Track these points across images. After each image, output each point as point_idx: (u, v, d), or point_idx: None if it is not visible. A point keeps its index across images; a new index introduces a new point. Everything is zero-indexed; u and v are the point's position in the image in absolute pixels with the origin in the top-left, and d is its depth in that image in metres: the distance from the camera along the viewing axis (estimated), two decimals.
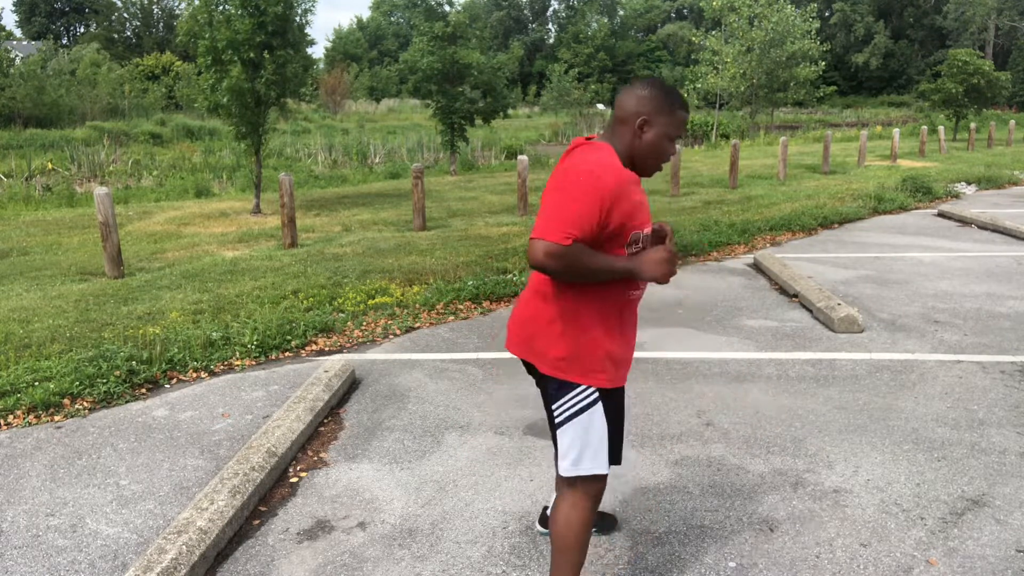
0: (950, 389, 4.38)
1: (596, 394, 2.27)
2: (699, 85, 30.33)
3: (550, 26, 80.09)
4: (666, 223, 2.37)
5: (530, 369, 2.40)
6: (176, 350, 4.88)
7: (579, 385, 2.26)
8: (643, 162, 2.25)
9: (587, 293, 2.22)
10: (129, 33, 65.42)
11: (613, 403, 2.33)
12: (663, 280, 2.14)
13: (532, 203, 11.37)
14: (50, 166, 18.43)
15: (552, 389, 2.31)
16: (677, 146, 11.66)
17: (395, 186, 15.44)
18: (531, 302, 2.33)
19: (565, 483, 2.36)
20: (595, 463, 2.30)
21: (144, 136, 26.92)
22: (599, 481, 2.34)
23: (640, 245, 2.22)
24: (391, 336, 5.53)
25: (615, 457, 2.39)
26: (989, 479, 3.33)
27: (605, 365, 2.26)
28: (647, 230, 2.23)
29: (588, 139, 2.27)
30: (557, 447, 2.37)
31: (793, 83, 28.90)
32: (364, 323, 5.72)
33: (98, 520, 3.07)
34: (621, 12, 76.80)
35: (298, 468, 3.52)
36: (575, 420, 2.28)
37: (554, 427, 2.37)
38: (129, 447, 3.73)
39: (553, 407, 2.32)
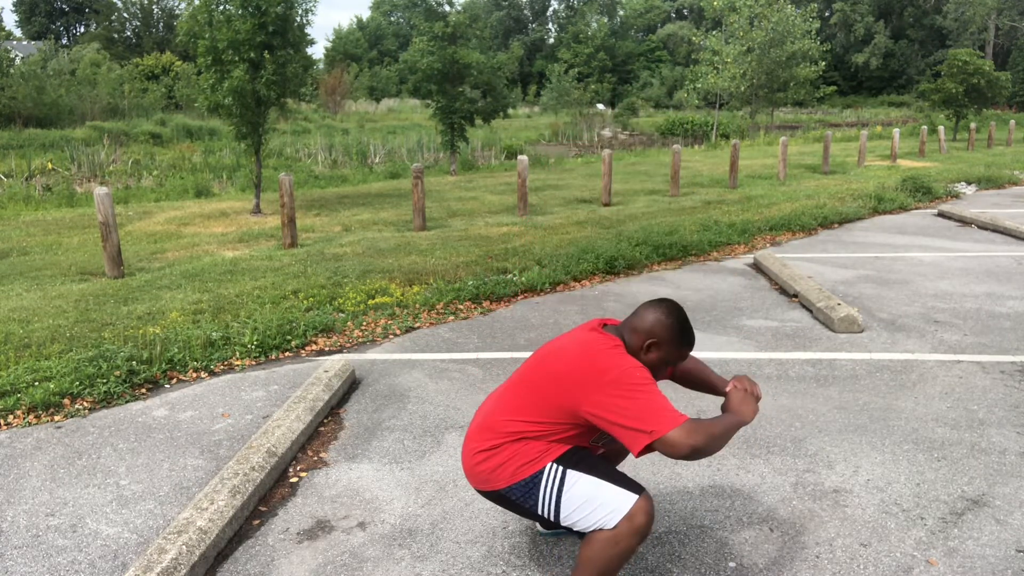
0: (950, 389, 4.38)
1: (558, 465, 2.29)
2: (699, 85, 30.33)
3: (550, 26, 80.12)
4: (746, 378, 2.52)
5: (494, 497, 2.43)
6: (176, 350, 4.88)
7: (539, 471, 2.29)
8: None
9: (548, 445, 2.33)
10: (129, 33, 65.39)
11: (580, 456, 2.34)
12: (755, 415, 2.40)
13: (532, 203, 11.37)
14: (50, 166, 18.43)
15: (520, 498, 2.33)
16: (677, 146, 11.62)
17: (395, 186, 15.44)
18: (473, 437, 2.42)
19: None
20: (614, 511, 2.22)
21: (144, 136, 26.92)
22: (644, 516, 2.22)
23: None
24: (391, 336, 5.53)
25: (631, 488, 2.28)
26: (989, 479, 3.33)
27: (546, 445, 2.32)
28: (733, 410, 2.42)
29: (603, 324, 2.43)
30: (580, 535, 2.37)
31: (793, 83, 28.90)
32: (364, 323, 5.72)
33: (98, 520, 3.07)
34: (621, 12, 76.81)
35: (298, 468, 3.52)
36: (563, 499, 2.27)
37: (551, 524, 2.39)
38: (129, 447, 3.73)
39: (538, 511, 2.33)
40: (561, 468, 2.28)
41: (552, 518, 2.31)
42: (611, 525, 2.22)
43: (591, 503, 2.24)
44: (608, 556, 2.22)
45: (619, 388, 2.16)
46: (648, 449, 2.11)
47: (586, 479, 2.27)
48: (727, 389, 2.49)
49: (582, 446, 2.38)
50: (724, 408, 2.41)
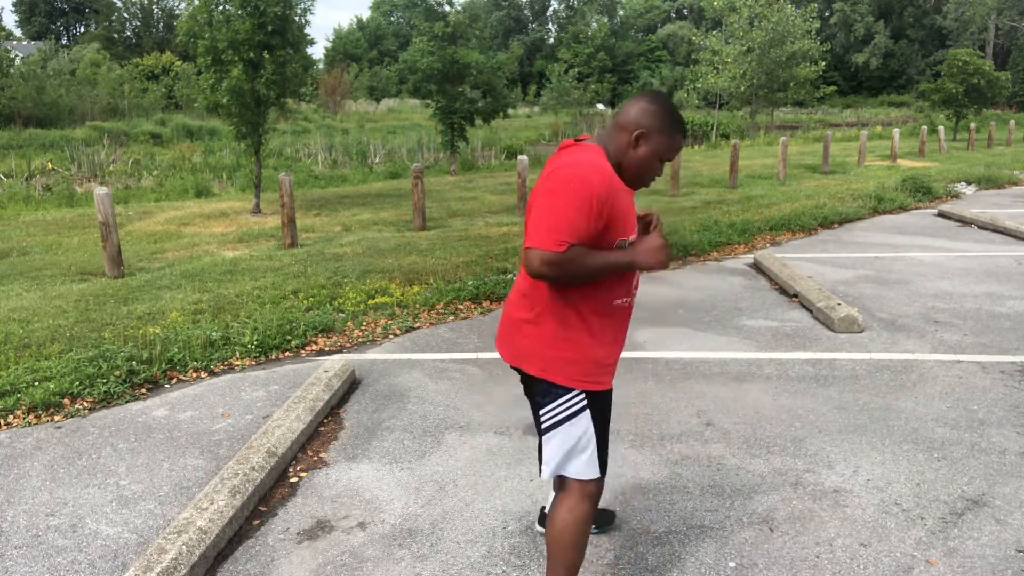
0: (950, 389, 4.38)
1: (584, 400, 2.27)
2: (699, 85, 30.33)
3: (550, 26, 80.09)
4: (652, 211, 2.35)
5: (519, 371, 2.40)
6: (176, 350, 4.88)
7: (568, 390, 2.26)
8: (630, 174, 2.24)
9: (575, 297, 2.21)
10: (129, 33, 65.38)
11: (600, 407, 2.32)
12: (660, 267, 2.15)
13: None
14: (50, 166, 18.43)
15: (540, 393, 2.31)
16: None
17: (395, 186, 15.44)
18: (518, 305, 2.32)
19: (561, 487, 2.35)
20: (587, 468, 2.29)
21: (144, 136, 26.91)
22: (595, 484, 2.34)
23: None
24: (391, 336, 5.53)
25: (603, 464, 2.36)
26: (989, 479, 3.33)
27: (593, 369, 2.26)
28: (632, 237, 2.21)
29: (578, 140, 2.26)
30: (541, 451, 2.37)
31: (793, 83, 28.90)
32: (364, 323, 5.72)
33: (98, 520, 3.07)
34: (621, 12, 76.77)
35: (298, 468, 3.52)
36: (563, 425, 2.28)
37: (541, 432, 2.36)
38: (129, 447, 3.73)
39: (540, 412, 2.32)
40: (584, 403, 2.27)
41: (541, 427, 2.33)
42: (572, 474, 2.29)
43: (575, 448, 2.28)
44: (568, 522, 2.30)
45: (549, 188, 2.12)
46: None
47: (590, 430, 2.28)
48: (644, 217, 2.32)
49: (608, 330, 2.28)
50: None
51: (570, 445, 2.28)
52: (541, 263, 2.04)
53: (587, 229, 2.06)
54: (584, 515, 2.32)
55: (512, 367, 2.38)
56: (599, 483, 2.35)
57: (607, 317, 2.26)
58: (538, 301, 2.25)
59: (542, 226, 2.05)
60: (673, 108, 2.23)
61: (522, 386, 2.47)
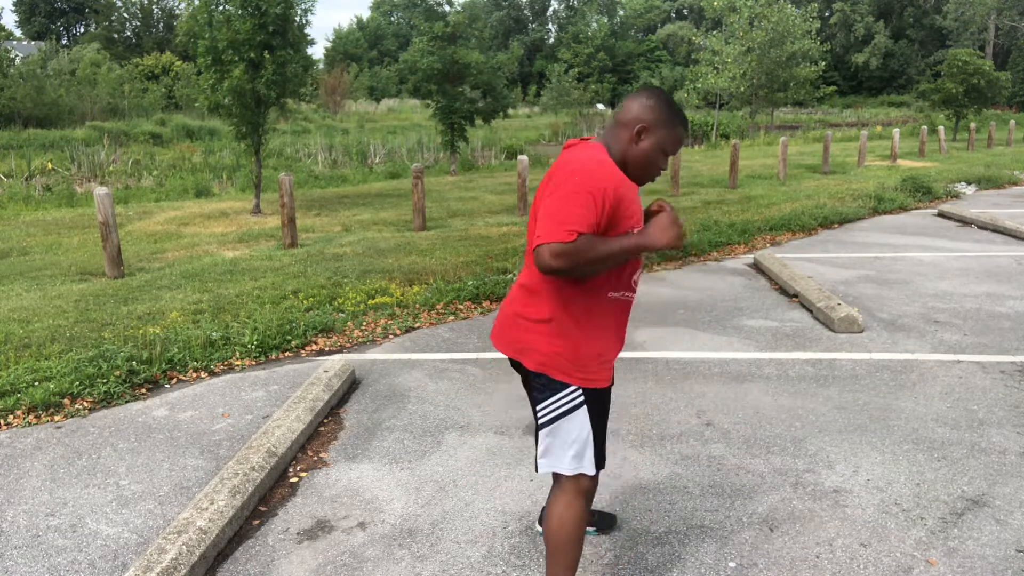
0: (950, 389, 4.38)
1: (583, 395, 2.27)
2: (699, 85, 30.34)
3: (550, 26, 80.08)
4: (662, 200, 2.35)
5: (516, 366, 2.40)
6: (176, 350, 4.88)
7: (566, 385, 2.26)
8: (634, 169, 2.25)
9: (576, 292, 2.22)
10: (129, 33, 65.36)
11: (598, 404, 2.33)
12: (676, 244, 2.12)
13: (531, 203, 11.35)
14: (50, 166, 18.43)
15: (537, 388, 2.31)
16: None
17: (395, 186, 15.44)
18: (519, 298, 2.32)
19: (556, 483, 2.36)
20: (581, 463, 2.30)
21: (144, 136, 26.91)
22: (589, 480, 2.34)
23: None
24: (391, 336, 5.53)
25: (600, 460, 2.36)
26: (989, 479, 3.33)
27: (592, 365, 2.26)
28: (638, 229, 2.22)
29: (582, 140, 2.28)
30: (537, 445, 2.37)
31: (793, 83, 28.90)
32: (364, 323, 5.72)
33: (98, 520, 3.07)
34: (621, 12, 76.79)
35: (298, 468, 3.52)
36: (561, 421, 2.28)
37: (538, 426, 2.36)
38: (129, 447, 3.73)
39: (538, 407, 2.32)
40: (582, 399, 2.27)
41: (538, 421, 2.33)
42: (567, 470, 2.29)
43: (571, 444, 2.28)
44: (565, 519, 2.31)
45: (555, 183, 2.12)
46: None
47: (587, 426, 2.28)
48: (654, 207, 2.31)
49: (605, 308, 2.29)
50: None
51: (567, 441, 2.28)
52: (552, 255, 2.01)
53: (595, 220, 2.06)
54: (580, 511, 2.32)
55: (509, 359, 2.39)
56: (594, 480, 2.36)
57: (606, 312, 2.27)
58: (539, 296, 2.25)
59: (550, 221, 2.04)
60: (672, 101, 2.25)
61: (520, 378, 2.46)
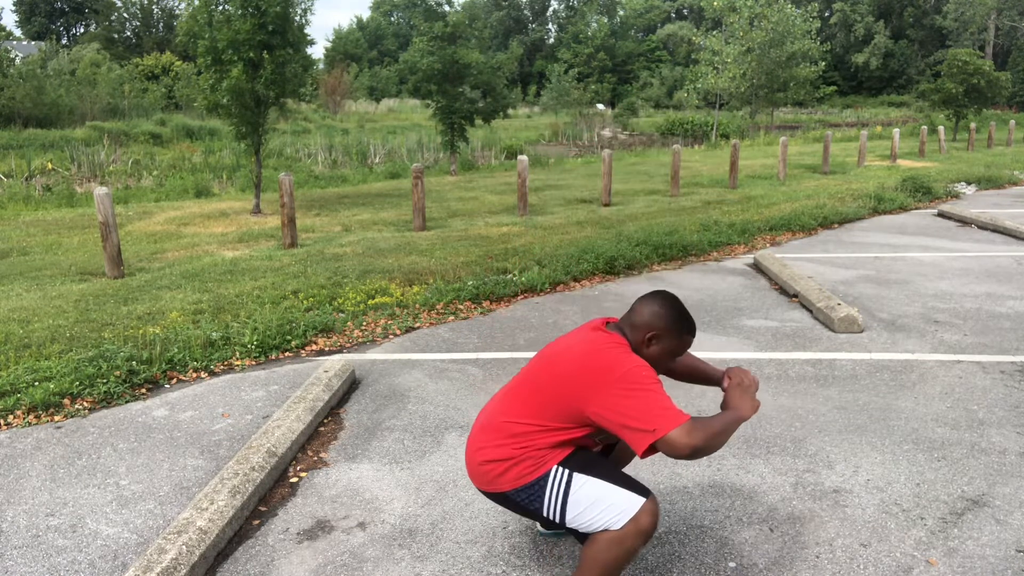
0: (950, 389, 4.38)
1: (563, 468, 2.28)
2: (699, 85, 30.35)
3: (550, 26, 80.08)
4: (743, 370, 2.52)
5: (498, 500, 2.42)
6: (176, 350, 4.88)
7: (545, 475, 2.27)
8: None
9: (559, 451, 2.32)
10: (129, 33, 65.37)
11: (583, 457, 2.33)
12: (756, 411, 2.38)
13: (532, 203, 11.37)
14: (50, 166, 18.43)
15: (527, 500, 2.32)
16: (677, 146, 11.62)
17: (395, 186, 15.44)
18: (500, 447, 2.36)
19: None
20: (622, 512, 2.21)
21: (144, 136, 26.92)
22: (647, 515, 2.21)
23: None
24: (391, 336, 5.53)
25: (637, 490, 2.27)
26: (989, 479, 3.33)
27: (550, 445, 2.31)
28: (733, 406, 2.41)
29: (606, 323, 2.42)
30: (577, 535, 2.38)
31: (793, 83, 28.91)
32: (364, 323, 5.72)
33: (98, 520, 3.07)
34: (621, 12, 76.78)
35: (298, 468, 3.52)
36: (569, 502, 2.26)
37: (566, 530, 2.36)
38: (129, 447, 3.73)
39: (544, 513, 2.32)
40: (567, 471, 2.27)
41: (558, 520, 2.30)
42: (617, 527, 2.21)
43: (598, 505, 2.23)
44: (612, 556, 2.22)
45: (623, 387, 2.15)
46: (652, 449, 2.10)
47: (592, 482, 2.26)
48: (724, 385, 2.50)
49: (585, 446, 2.38)
50: (723, 405, 2.40)
51: (589, 509, 2.24)
52: (687, 435, 2.07)
53: None
54: (631, 551, 2.22)
55: (487, 495, 2.45)
56: (651, 517, 2.22)
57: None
58: (525, 446, 2.31)
59: (656, 415, 2.10)
60: (683, 311, 2.39)
61: (508, 509, 2.48)
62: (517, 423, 2.32)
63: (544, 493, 2.28)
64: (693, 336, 2.42)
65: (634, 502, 2.22)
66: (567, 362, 2.28)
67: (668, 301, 2.38)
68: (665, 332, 2.35)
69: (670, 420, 2.07)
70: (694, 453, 2.08)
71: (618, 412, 2.14)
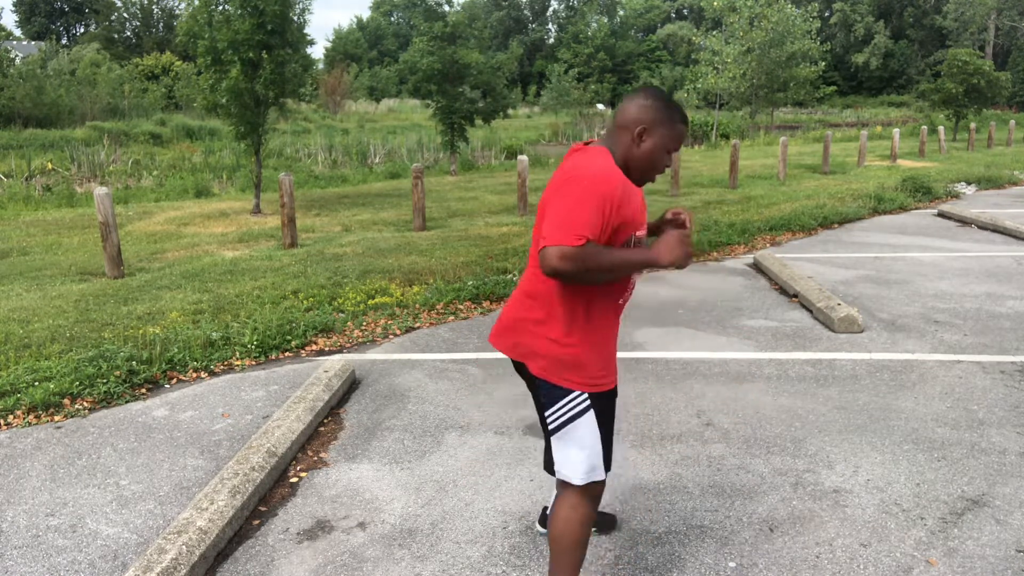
0: (950, 389, 4.38)
1: (588, 400, 2.26)
2: (699, 85, 30.35)
3: (550, 26, 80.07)
4: (684, 209, 2.35)
5: (519, 368, 2.40)
6: (176, 350, 4.88)
7: (569, 391, 2.25)
8: (637, 170, 2.25)
9: (581, 299, 2.21)
10: (129, 33, 65.37)
11: (604, 407, 2.32)
12: (682, 263, 2.11)
13: (532, 203, 11.37)
14: (50, 166, 18.43)
15: (543, 394, 2.30)
16: None
17: (395, 186, 15.44)
18: (521, 303, 2.32)
19: (564, 486, 2.35)
20: (593, 473, 2.29)
21: (144, 136, 26.92)
22: (598, 484, 2.34)
23: (634, 247, 2.22)
24: (391, 336, 5.53)
25: (607, 463, 2.36)
26: (989, 479, 3.33)
27: (595, 370, 2.25)
28: (641, 233, 2.23)
29: (586, 144, 2.27)
30: (552, 452, 2.37)
31: (793, 83, 28.91)
32: (364, 323, 5.72)
33: (98, 520, 3.07)
34: (621, 12, 76.78)
35: (298, 468, 3.52)
36: (568, 427, 2.27)
37: (548, 433, 2.36)
38: (129, 447, 3.73)
39: (545, 414, 2.32)
40: (587, 404, 2.26)
41: (547, 428, 2.33)
42: (576, 480, 2.27)
43: (583, 452, 2.27)
44: (572, 521, 2.31)
45: (565, 189, 2.10)
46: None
47: (595, 430, 2.27)
48: (668, 215, 2.36)
49: (608, 316, 2.28)
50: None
51: (578, 449, 2.27)
52: (559, 258, 1.99)
53: (601, 226, 2.06)
54: (586, 514, 2.32)
55: (513, 362, 2.38)
56: (602, 484, 2.35)
57: (608, 317, 2.27)
58: (545, 302, 2.24)
59: (557, 224, 2.03)
60: (670, 99, 2.24)
61: (524, 381, 2.45)
62: (538, 274, 2.27)
63: (559, 402, 2.27)
64: (687, 124, 2.26)
65: (599, 473, 2.30)
66: (548, 188, 2.23)
67: (653, 91, 2.25)
68: (655, 123, 2.20)
69: (564, 235, 1.99)
70: (554, 275, 2.03)
71: (551, 211, 2.08)
